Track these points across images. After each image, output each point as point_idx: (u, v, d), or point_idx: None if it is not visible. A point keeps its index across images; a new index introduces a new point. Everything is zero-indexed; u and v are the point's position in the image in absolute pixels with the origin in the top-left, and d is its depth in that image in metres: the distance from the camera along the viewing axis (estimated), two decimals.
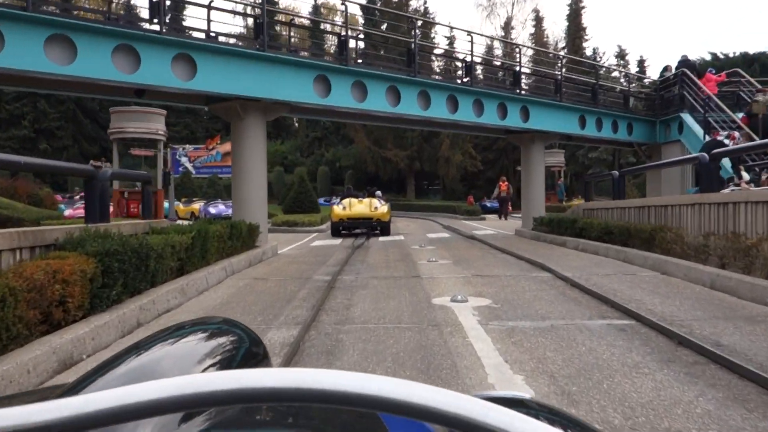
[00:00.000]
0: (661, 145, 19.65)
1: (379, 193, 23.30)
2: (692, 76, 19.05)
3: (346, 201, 18.68)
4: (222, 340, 1.17)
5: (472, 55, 14.68)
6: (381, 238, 16.65)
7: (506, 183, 32.58)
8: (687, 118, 18.21)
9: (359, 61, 13.31)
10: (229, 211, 22.81)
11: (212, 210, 23.37)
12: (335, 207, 18.53)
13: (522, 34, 54.87)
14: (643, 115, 19.53)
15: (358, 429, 0.79)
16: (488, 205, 39.29)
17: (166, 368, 0.91)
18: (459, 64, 14.91)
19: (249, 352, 1.16)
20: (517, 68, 16.44)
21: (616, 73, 40.80)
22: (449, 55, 15.04)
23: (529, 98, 16.37)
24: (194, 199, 28.28)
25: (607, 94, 19.84)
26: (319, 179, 43.87)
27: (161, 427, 0.70)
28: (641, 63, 55.96)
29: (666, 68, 20.24)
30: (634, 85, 21.52)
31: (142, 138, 21.20)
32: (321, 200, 33.32)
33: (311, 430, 0.80)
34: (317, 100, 11.91)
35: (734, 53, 49.29)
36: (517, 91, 16.15)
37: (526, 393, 1.31)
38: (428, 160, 40.02)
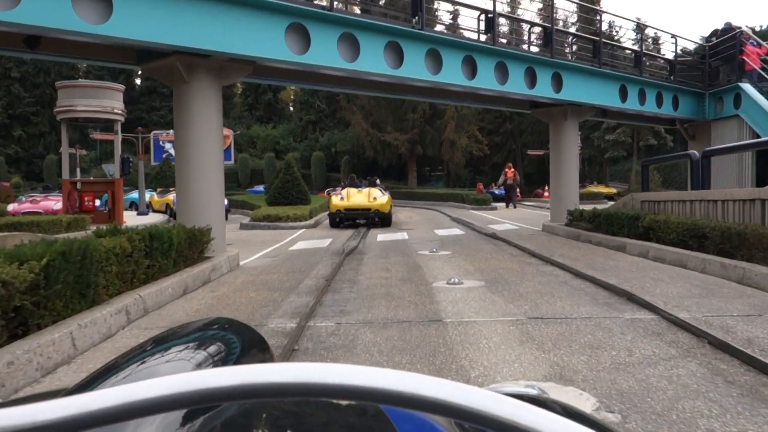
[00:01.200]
0: (711, 122, 16.61)
1: (377, 181, 20.44)
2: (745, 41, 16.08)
3: (344, 191, 17.63)
4: (225, 339, 1.19)
5: (494, 2, 11.56)
6: (380, 237, 13.70)
7: (513, 169, 29.88)
8: (748, 88, 15.15)
9: (349, 6, 10.20)
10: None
11: None
12: (333, 197, 17.52)
13: None
14: (690, 87, 16.46)
15: (365, 429, 0.78)
16: (496, 192, 36.30)
17: (169, 368, 0.93)
18: (477, 16, 11.77)
19: (253, 350, 1.18)
20: (549, 25, 13.33)
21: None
22: (466, 3, 11.82)
23: (563, 62, 13.29)
24: (171, 189, 25.23)
25: (650, 63, 16.75)
26: (313, 166, 40.80)
27: (164, 427, 0.70)
28: (656, 41, 52.73)
29: (714, 32, 17.16)
30: (680, 50, 18.35)
31: (95, 118, 18.06)
32: (327, 191, 30.29)
33: (317, 430, 0.76)
34: (291, 57, 8.83)
35: (761, 26, 46.12)
36: (549, 54, 13.07)
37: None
38: (431, 143, 36.91)
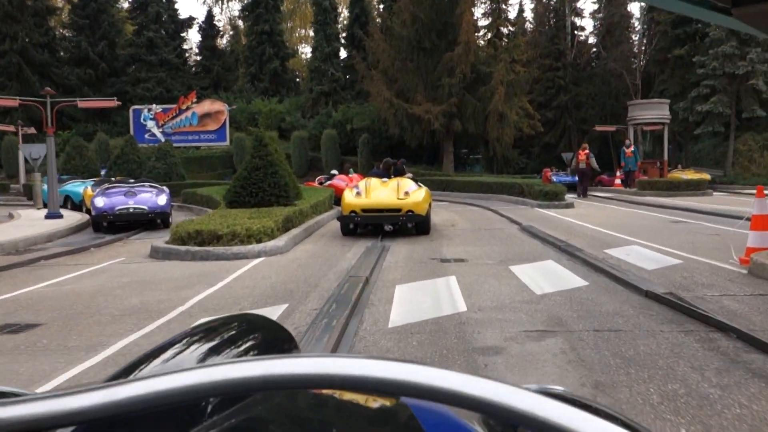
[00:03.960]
0: None
1: (402, 162, 13.48)
2: None
3: (362, 183, 12.50)
4: (252, 333, 1.25)
5: None
6: (400, 290, 6.47)
7: (586, 151, 22.76)
8: None
9: None
10: (145, 204, 12.92)
11: (101, 202, 13.26)
12: (346, 193, 12.15)
13: None
14: None
15: (391, 426, 0.80)
16: (563, 179, 28.78)
17: (208, 356, 0.99)
18: None
19: (280, 344, 1.25)
20: None
21: None
22: None
23: None
24: (119, 179, 18.25)
25: None
26: (323, 146, 33.63)
27: (190, 419, 0.73)
28: None
29: None
30: None
31: None
32: (318, 179, 22.99)
33: (341, 427, 0.79)
34: None
35: None
36: None
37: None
38: (473, 117, 29.33)
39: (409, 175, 13.44)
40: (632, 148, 27.95)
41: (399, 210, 11.41)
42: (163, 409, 0.45)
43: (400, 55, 30.12)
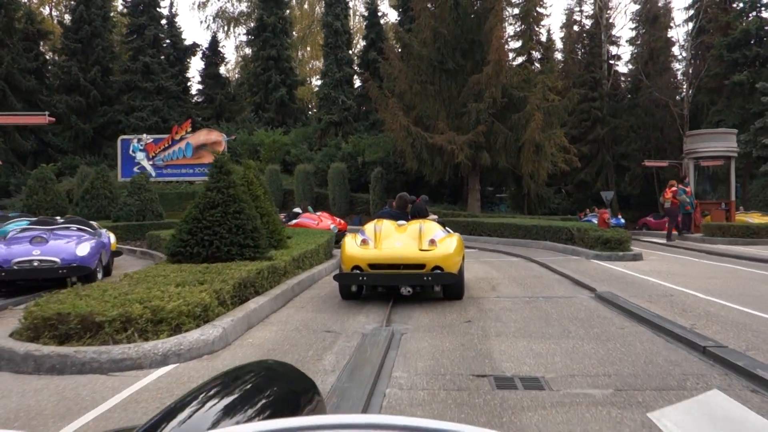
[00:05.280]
0: None
1: (424, 200, 9.64)
2: None
3: (370, 227, 8.78)
4: (276, 378, 1.29)
5: None
6: None
7: (674, 188, 19.23)
8: None
9: None
10: (56, 256, 9.13)
11: None
12: (347, 241, 8.59)
13: None
14: None
15: None
16: (615, 221, 24.86)
17: (225, 414, 0.99)
18: None
19: (303, 390, 1.26)
20: None
21: None
22: None
23: None
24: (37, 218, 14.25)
25: None
26: (331, 182, 29.88)
27: None
28: None
29: None
30: None
31: None
32: (283, 216, 18.77)
33: None
34: None
35: None
36: None
37: None
38: (504, 148, 25.36)
39: (434, 216, 9.65)
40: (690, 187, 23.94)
41: (422, 266, 7.96)
42: None
43: (419, 77, 26.45)
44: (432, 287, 8.25)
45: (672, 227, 20.57)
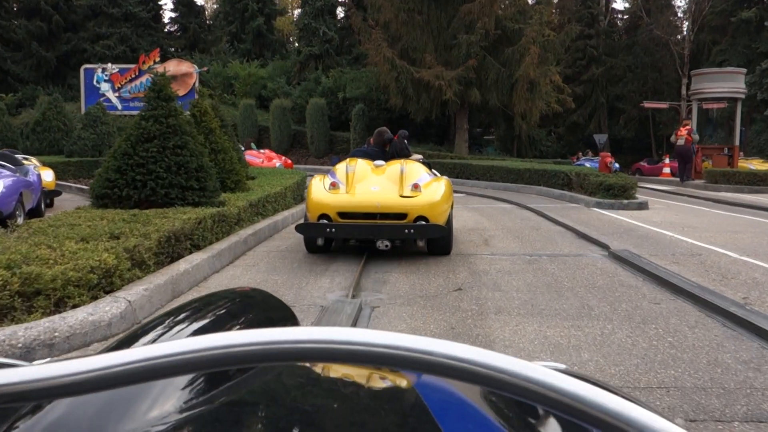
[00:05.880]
0: None
1: (406, 141, 7.96)
2: None
3: (341, 168, 7.27)
4: (252, 306, 1.26)
5: None
6: None
7: (688, 126, 17.88)
8: None
9: None
10: None
11: None
12: (314, 184, 7.08)
13: None
14: None
15: (409, 426, 0.76)
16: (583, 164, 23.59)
17: (197, 334, 0.91)
18: None
19: (281, 318, 1.23)
20: None
21: None
22: None
23: None
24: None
25: None
26: (309, 118, 28.01)
27: (187, 394, 0.71)
28: None
29: None
30: None
31: None
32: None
33: (345, 407, 0.77)
34: None
35: None
36: None
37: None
38: (496, 85, 23.54)
39: (418, 156, 8.12)
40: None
41: (403, 216, 6.63)
42: (161, 379, 0.43)
43: (405, 5, 24.29)
44: (414, 241, 6.81)
45: (688, 168, 19.47)
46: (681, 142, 18.90)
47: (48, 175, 11.95)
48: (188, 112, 9.92)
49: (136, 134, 7.34)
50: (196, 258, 5.85)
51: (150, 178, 7.19)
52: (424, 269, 6.34)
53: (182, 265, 5.51)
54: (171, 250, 5.67)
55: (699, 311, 4.75)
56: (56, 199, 12.32)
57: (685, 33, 34.97)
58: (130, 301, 4.31)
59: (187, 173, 7.44)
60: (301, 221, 7.67)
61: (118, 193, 7.18)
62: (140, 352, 0.42)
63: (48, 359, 0.68)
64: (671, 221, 10.62)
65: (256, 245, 7.82)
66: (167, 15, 43.13)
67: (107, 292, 4.43)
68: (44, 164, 13.30)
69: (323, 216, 6.68)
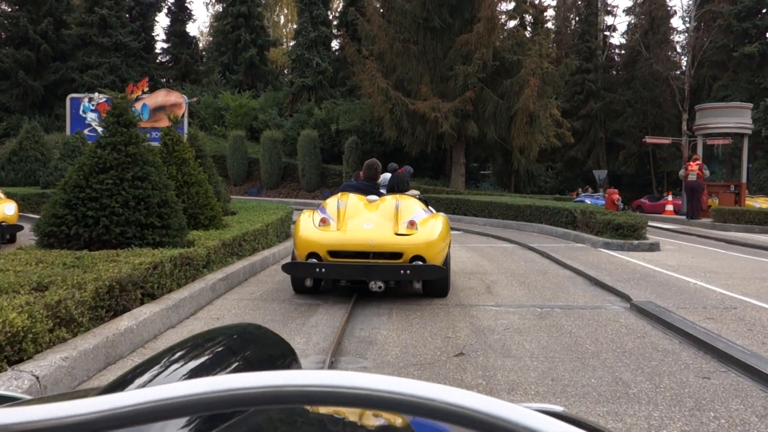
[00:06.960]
0: None
1: (408, 171, 7.13)
2: None
3: (332, 203, 6.63)
4: (252, 342, 1.21)
5: None
6: None
7: (698, 161, 17.10)
8: None
9: None
10: None
11: None
12: (302, 220, 6.47)
13: None
14: None
15: None
16: (598, 202, 22.75)
17: (197, 373, 0.94)
18: None
19: (280, 355, 1.19)
20: None
21: None
22: None
23: None
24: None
25: None
26: (301, 151, 27.22)
27: None
28: None
29: None
30: None
31: None
32: None
33: None
34: None
35: None
36: None
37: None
38: (493, 118, 22.85)
39: (415, 192, 7.39)
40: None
41: (399, 255, 6.06)
42: (162, 421, 0.43)
43: (401, 35, 23.68)
44: (410, 282, 5.99)
45: (697, 205, 18.78)
46: (692, 177, 18.15)
47: (9, 209, 11.00)
48: (159, 143, 9.07)
49: (90, 164, 6.44)
50: (145, 312, 4.88)
51: (103, 215, 6.26)
52: (418, 325, 5.40)
53: (124, 321, 4.55)
54: (114, 302, 4.71)
55: (762, 391, 3.81)
56: (19, 234, 11.37)
57: (684, 68, 34.59)
58: (38, 377, 3.33)
59: (148, 209, 6.51)
60: (285, 260, 6.81)
61: (66, 231, 6.24)
62: (149, 393, 0.42)
63: (56, 394, 0.63)
64: (689, 265, 9.73)
65: (227, 292, 6.86)
66: (159, 45, 42.64)
67: (12, 363, 3.46)
68: (8, 196, 12.37)
69: (312, 254, 6.08)
